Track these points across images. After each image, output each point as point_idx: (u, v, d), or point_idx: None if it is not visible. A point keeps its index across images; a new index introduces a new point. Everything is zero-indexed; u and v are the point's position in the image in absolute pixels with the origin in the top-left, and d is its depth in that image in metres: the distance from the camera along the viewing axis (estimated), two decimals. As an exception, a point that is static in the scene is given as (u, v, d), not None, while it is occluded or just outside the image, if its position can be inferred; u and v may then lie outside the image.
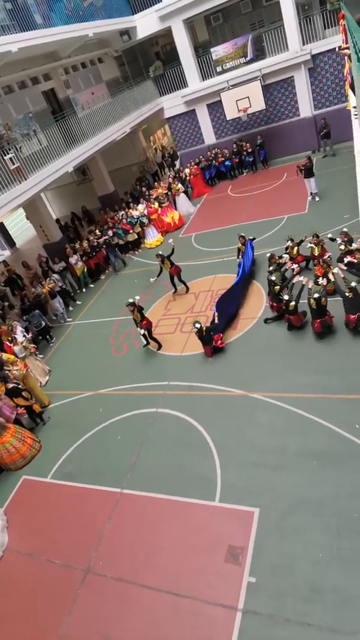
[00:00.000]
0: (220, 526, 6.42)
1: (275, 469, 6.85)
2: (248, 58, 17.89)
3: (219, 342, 9.66)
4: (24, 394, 9.55)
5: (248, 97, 17.43)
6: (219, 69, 18.51)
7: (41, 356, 12.23)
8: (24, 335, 11.45)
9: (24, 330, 11.80)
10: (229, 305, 10.49)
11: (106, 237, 15.40)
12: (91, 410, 9.78)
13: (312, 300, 8.53)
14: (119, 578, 6.34)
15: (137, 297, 10.51)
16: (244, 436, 7.59)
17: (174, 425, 8.43)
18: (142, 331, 10.30)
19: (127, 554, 6.60)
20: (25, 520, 7.96)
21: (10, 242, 22.54)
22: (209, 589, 5.75)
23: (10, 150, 11.93)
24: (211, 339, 9.57)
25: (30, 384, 10.17)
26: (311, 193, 14.56)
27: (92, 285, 15.47)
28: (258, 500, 6.49)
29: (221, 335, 9.79)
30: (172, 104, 20.03)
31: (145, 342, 10.85)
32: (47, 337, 13.16)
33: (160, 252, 12.09)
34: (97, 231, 16.13)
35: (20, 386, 9.65)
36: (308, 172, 14.15)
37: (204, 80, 19.31)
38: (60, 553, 7.05)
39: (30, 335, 11.88)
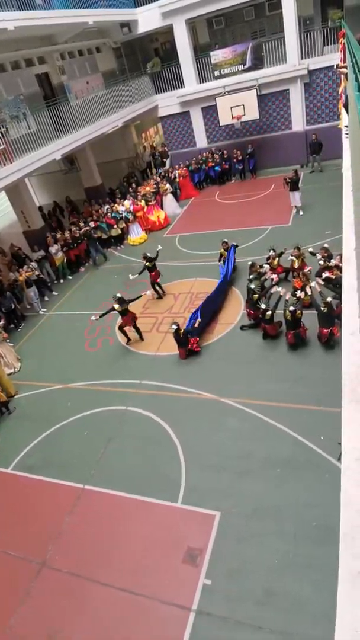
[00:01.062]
0: (181, 527, 6.47)
1: (239, 474, 6.94)
2: (246, 66, 18.04)
3: (195, 345, 9.70)
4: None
5: (243, 105, 17.60)
6: (216, 73, 18.58)
7: (11, 344, 11.98)
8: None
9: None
10: (209, 310, 10.55)
11: (87, 228, 15.21)
12: (59, 403, 9.65)
13: (287, 312, 8.69)
14: (74, 573, 6.29)
15: (119, 295, 10.43)
16: (211, 440, 7.65)
17: (143, 424, 8.42)
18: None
19: (85, 550, 6.55)
20: (-18, 510, 7.79)
21: (-11, 225, 21.99)
22: (165, 588, 5.77)
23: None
24: (187, 342, 9.61)
25: (-2, 371, 9.97)
26: (295, 206, 14.82)
27: (70, 277, 15.26)
28: (220, 504, 6.56)
29: (197, 338, 9.84)
30: (167, 103, 19.99)
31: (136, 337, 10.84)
32: (15, 321, 12.99)
33: (148, 254, 12.02)
34: (80, 223, 15.93)
35: (-12, 373, 9.44)
36: (293, 185, 14.39)
37: (201, 82, 19.36)
38: (17, 545, 6.93)
39: (2, 322, 11.63)
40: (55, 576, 6.33)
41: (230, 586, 5.60)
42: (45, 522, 7.15)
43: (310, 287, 9.44)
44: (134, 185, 18.37)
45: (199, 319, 9.87)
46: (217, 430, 7.81)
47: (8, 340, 11.70)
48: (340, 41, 12.45)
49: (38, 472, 8.10)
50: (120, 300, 10.22)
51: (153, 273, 11.98)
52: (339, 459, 6.48)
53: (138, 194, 17.31)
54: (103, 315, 10.35)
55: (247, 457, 7.16)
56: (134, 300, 10.66)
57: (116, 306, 10.14)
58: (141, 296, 10.43)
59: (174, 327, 9.43)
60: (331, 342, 8.75)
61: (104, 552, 6.46)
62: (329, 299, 8.53)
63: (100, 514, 7.04)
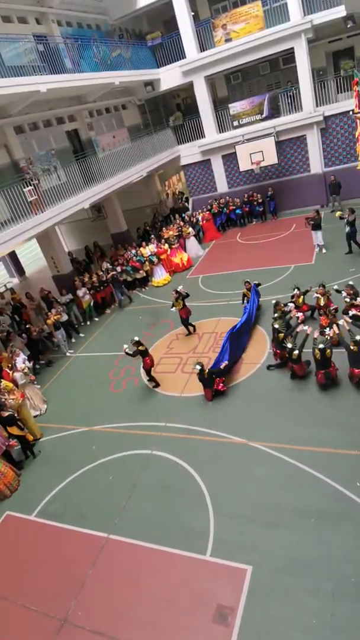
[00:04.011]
0: (210, 583, 6.07)
1: (271, 525, 6.56)
2: (264, 115, 18.82)
3: (221, 385, 9.53)
4: (18, 423, 9.36)
5: (262, 151, 18.18)
6: (235, 123, 19.43)
7: (38, 386, 12.07)
8: (24, 363, 11.35)
9: (25, 358, 11.72)
10: (235, 351, 10.41)
11: (114, 272, 15.62)
12: (84, 446, 9.51)
13: (317, 350, 8.48)
14: (97, 631, 5.93)
15: (136, 338, 10.40)
16: (241, 487, 7.31)
17: (169, 469, 8.15)
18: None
19: (108, 606, 6.21)
20: (4, 559, 7.54)
21: (20, 271, 22.87)
22: (194, 651, 5.36)
23: (30, 183, 12.33)
24: (213, 382, 9.45)
25: (24, 414, 9.97)
26: (318, 245, 14.87)
27: (96, 319, 15.51)
28: (251, 558, 6.17)
29: (223, 378, 9.67)
30: (189, 152, 20.88)
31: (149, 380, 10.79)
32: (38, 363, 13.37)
33: (178, 289, 12.14)
34: (108, 265, 16.45)
35: (16, 415, 9.47)
36: (316, 225, 14.52)
37: (220, 132, 20.23)
38: (38, 599, 6.63)
39: (31, 363, 11.79)
40: (78, 634, 5.97)
41: (265, 650, 5.16)
42: (68, 574, 6.86)
43: (337, 325, 9.25)
44: (163, 229, 18.92)
45: (226, 362, 9.73)
46: (246, 477, 7.47)
47: (35, 382, 11.80)
48: (354, 89, 12.91)
49: (61, 519, 7.86)
50: (137, 344, 10.22)
51: (182, 310, 12.09)
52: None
53: (162, 237, 17.82)
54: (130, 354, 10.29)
55: (279, 507, 6.78)
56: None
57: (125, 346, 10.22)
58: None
59: (198, 367, 9.31)
60: (363, 382, 8.45)
61: (128, 608, 6.10)
62: (357, 338, 8.30)
63: (125, 566, 6.71)
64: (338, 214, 14.15)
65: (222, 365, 9.64)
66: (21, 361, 11.21)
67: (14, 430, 9.25)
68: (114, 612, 6.11)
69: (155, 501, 7.60)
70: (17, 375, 10.68)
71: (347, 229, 13.66)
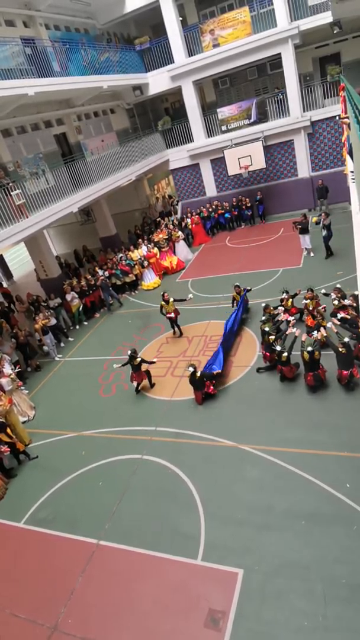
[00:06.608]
0: (202, 587, 6.04)
1: (261, 528, 6.56)
2: (252, 120, 19.00)
3: (211, 388, 9.53)
4: (7, 430, 9.24)
5: (250, 155, 18.33)
6: (223, 128, 19.58)
7: (26, 392, 11.94)
8: (12, 369, 11.22)
9: (11, 365, 11.57)
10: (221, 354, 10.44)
11: (102, 278, 15.54)
12: (73, 452, 9.42)
13: (305, 353, 8.53)
14: (88, 638, 5.86)
15: (129, 352, 10.37)
16: (232, 491, 7.30)
17: (159, 474, 8.11)
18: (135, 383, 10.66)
19: (99, 612, 6.14)
20: (-7, 568, 7.44)
21: (8, 275, 22.65)
22: (186, 658, 5.32)
23: (17, 187, 12.22)
24: (204, 385, 9.45)
25: (12, 420, 9.84)
26: (305, 248, 15.01)
27: (85, 323, 15.42)
28: (242, 561, 6.17)
29: (214, 381, 9.67)
30: (178, 156, 20.95)
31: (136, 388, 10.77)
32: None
33: (166, 294, 12.34)
34: (97, 269, 16.37)
35: (4, 422, 9.35)
36: (303, 229, 14.65)
37: (209, 137, 20.34)
38: (27, 607, 6.53)
39: (18, 368, 11.65)
40: (68, 642, 5.91)
41: (257, 654, 5.14)
42: (58, 581, 6.77)
43: (325, 328, 9.33)
44: (154, 232, 18.98)
45: (218, 370, 9.71)
46: (237, 480, 7.48)
47: (22, 388, 11.67)
48: (340, 94, 13.08)
49: (51, 526, 7.77)
50: (133, 354, 10.23)
51: (173, 312, 12.17)
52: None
53: (152, 240, 17.84)
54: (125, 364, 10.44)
55: (269, 509, 6.79)
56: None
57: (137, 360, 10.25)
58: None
59: (191, 369, 9.30)
60: (351, 384, 8.52)
61: (119, 614, 6.04)
62: (346, 339, 8.38)
63: (115, 572, 6.65)
64: (314, 219, 14.38)
65: (215, 372, 9.64)
66: (8, 367, 11.08)
67: (3, 437, 9.12)
68: (104, 618, 6.05)
69: (145, 506, 7.55)
70: (4, 381, 10.55)
71: (324, 232, 13.91)
